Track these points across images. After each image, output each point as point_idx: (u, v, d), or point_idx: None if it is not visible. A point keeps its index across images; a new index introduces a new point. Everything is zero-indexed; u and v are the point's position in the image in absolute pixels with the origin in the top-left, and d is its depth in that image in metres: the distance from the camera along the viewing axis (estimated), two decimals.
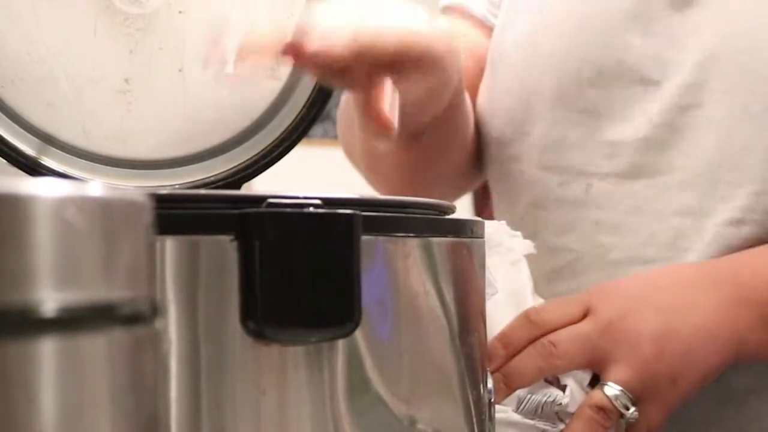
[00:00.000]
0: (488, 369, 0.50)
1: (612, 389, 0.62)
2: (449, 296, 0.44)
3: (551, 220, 0.79)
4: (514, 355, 0.62)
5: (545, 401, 0.62)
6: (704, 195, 0.73)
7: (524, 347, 0.62)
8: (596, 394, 0.62)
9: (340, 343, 0.39)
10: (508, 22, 0.84)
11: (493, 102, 0.84)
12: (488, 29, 0.87)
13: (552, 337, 0.63)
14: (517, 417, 0.61)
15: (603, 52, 0.77)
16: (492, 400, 0.49)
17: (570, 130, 0.78)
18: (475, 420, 0.46)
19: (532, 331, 0.63)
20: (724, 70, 0.73)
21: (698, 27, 0.75)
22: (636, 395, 0.62)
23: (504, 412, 0.60)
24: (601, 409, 0.61)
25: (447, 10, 0.91)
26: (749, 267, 0.70)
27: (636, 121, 0.76)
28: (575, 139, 0.78)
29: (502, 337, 0.62)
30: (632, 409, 0.62)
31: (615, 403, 0.61)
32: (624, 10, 0.77)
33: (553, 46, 0.79)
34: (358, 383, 0.40)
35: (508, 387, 0.61)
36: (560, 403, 0.62)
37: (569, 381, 0.63)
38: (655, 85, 0.76)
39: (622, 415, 0.62)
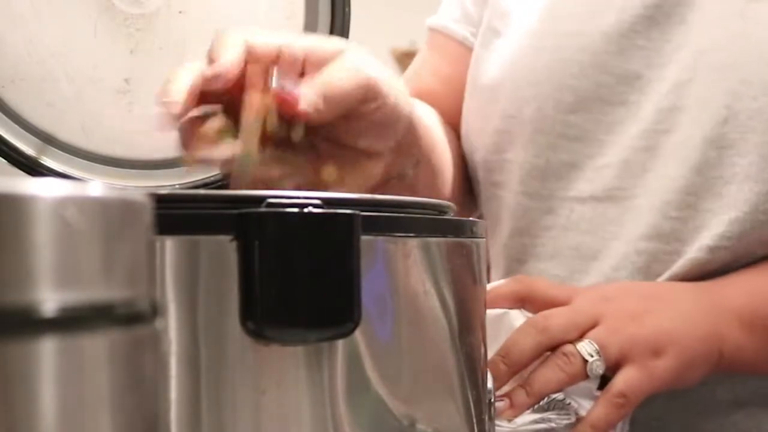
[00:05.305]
0: (495, 391, 0.51)
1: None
2: (449, 296, 0.44)
3: (537, 247, 0.79)
4: (517, 372, 0.62)
5: (555, 398, 0.62)
6: (678, 220, 0.73)
7: (530, 360, 0.62)
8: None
9: (340, 343, 0.39)
10: (487, 44, 0.83)
11: (474, 126, 0.83)
12: (469, 50, 0.86)
13: (566, 348, 0.63)
14: (521, 429, 0.61)
15: (582, 77, 0.76)
16: (492, 400, 0.49)
17: (552, 156, 0.78)
18: (475, 420, 0.46)
19: (541, 341, 0.63)
20: (699, 93, 0.72)
21: (678, 43, 0.74)
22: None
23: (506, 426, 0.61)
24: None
25: (431, 30, 0.92)
26: (723, 283, 0.71)
27: (616, 143, 0.76)
28: (559, 165, 0.78)
29: (504, 352, 0.62)
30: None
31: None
32: (601, 32, 0.76)
33: (532, 74, 0.78)
34: (357, 383, 0.40)
35: (530, 397, 0.61)
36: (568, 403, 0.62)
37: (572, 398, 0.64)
38: (635, 104, 0.75)
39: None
